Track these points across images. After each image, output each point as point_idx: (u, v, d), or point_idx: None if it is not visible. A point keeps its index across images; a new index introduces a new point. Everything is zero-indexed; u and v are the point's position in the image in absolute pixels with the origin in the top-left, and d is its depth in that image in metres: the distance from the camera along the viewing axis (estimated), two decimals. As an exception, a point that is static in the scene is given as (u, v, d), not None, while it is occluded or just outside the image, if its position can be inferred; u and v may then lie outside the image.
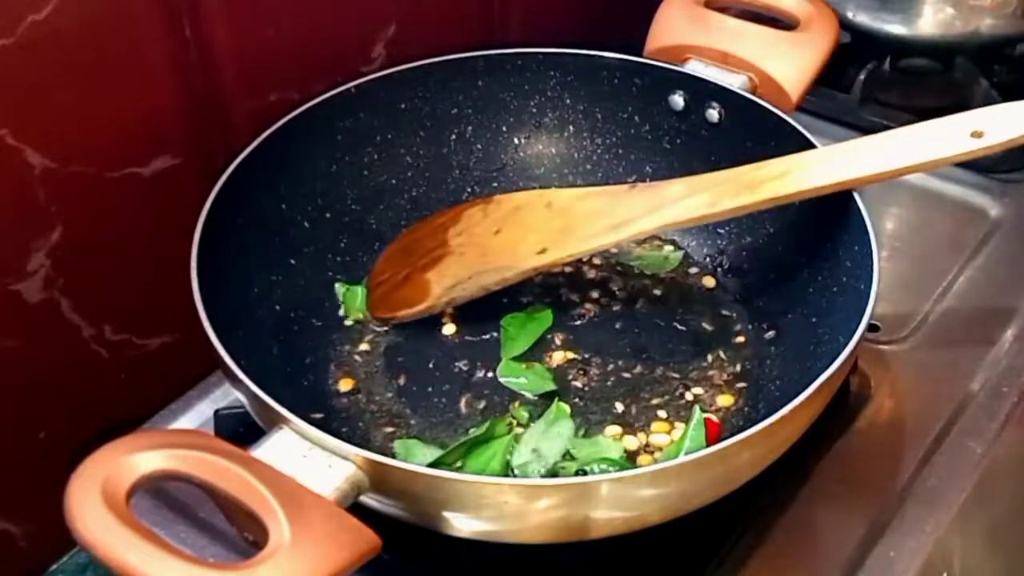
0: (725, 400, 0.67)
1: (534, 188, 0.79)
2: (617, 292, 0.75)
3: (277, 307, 0.69)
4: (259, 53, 0.72)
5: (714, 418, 0.65)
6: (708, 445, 0.62)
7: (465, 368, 0.70)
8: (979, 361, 0.73)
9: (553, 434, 0.65)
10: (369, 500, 0.52)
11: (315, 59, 0.75)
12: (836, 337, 0.59)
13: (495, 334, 0.72)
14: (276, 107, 0.72)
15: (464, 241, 0.70)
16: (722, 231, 0.77)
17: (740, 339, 0.71)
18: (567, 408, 0.66)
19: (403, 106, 0.77)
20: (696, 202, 0.64)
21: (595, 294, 0.75)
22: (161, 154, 0.69)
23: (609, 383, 0.69)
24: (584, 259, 0.77)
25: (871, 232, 0.63)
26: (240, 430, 0.61)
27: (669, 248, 0.78)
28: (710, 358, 0.70)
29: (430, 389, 0.69)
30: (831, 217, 0.66)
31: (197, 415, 0.71)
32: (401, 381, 0.69)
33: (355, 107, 0.74)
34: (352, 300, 0.73)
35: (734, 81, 0.74)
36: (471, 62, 0.77)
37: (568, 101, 0.79)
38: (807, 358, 0.63)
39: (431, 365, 0.70)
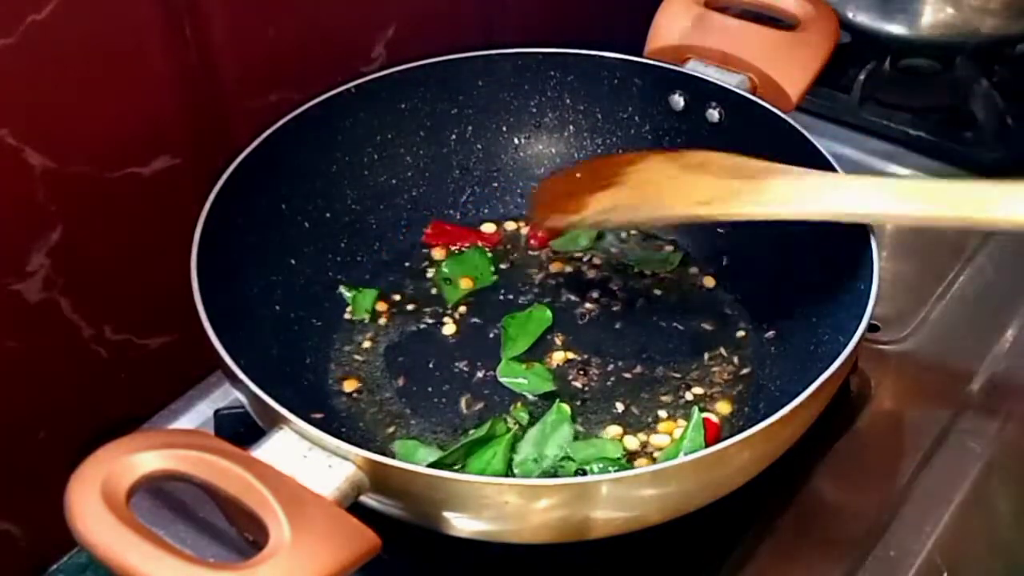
0: (725, 400, 0.67)
1: (534, 188, 0.79)
2: (617, 292, 0.75)
3: (277, 307, 0.69)
4: (259, 53, 0.72)
5: (713, 418, 0.65)
6: (707, 445, 0.62)
7: (465, 368, 0.70)
8: (979, 361, 0.73)
9: (553, 435, 0.65)
10: (369, 500, 0.52)
11: (315, 59, 0.75)
12: (836, 337, 0.59)
13: (495, 334, 0.72)
14: (276, 107, 0.72)
15: (637, 178, 0.69)
16: (722, 231, 0.77)
17: (740, 339, 0.71)
18: (567, 409, 0.66)
19: (403, 106, 0.77)
20: (883, 201, 0.61)
21: (595, 294, 0.75)
22: (161, 154, 0.69)
23: (609, 383, 0.69)
24: (584, 259, 0.77)
25: (871, 232, 0.63)
26: (240, 430, 0.61)
27: (669, 248, 0.78)
28: (710, 358, 0.70)
29: (430, 389, 0.69)
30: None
31: (197, 415, 0.71)
32: (401, 381, 0.69)
33: (355, 107, 0.74)
34: (362, 302, 0.73)
35: (734, 81, 0.74)
36: (471, 62, 0.77)
37: (568, 101, 0.79)
38: (807, 358, 0.63)
39: (431, 365, 0.70)
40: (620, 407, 0.67)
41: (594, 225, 0.69)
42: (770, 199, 0.63)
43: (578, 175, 0.72)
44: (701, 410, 0.65)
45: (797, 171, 0.65)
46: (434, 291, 0.75)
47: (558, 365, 0.70)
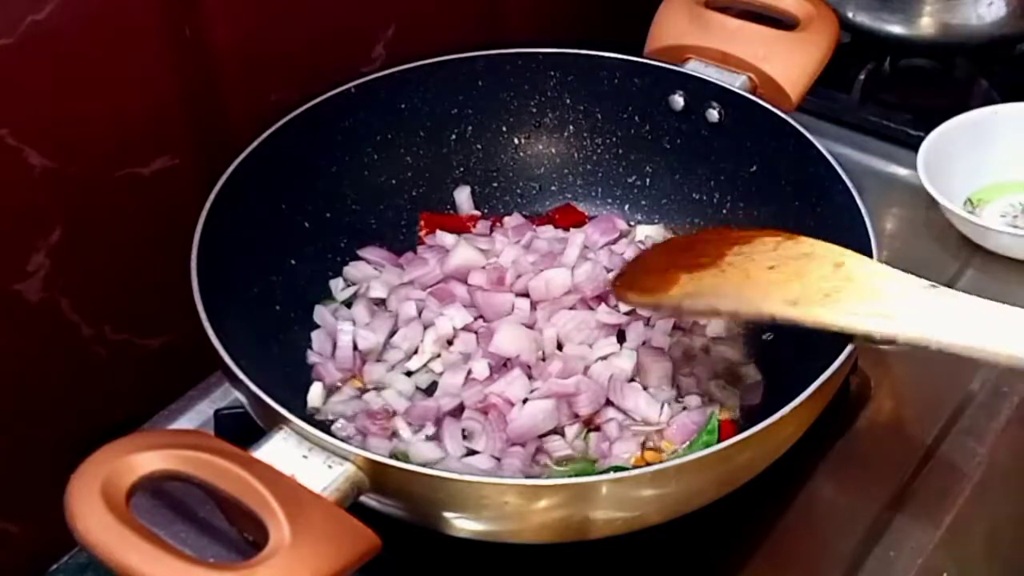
0: (725, 400, 0.67)
1: (534, 188, 0.79)
2: (617, 292, 0.75)
3: (277, 307, 0.69)
4: (259, 53, 0.72)
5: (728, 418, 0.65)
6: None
7: (465, 368, 0.70)
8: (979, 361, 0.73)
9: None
10: (369, 500, 0.52)
11: (315, 59, 0.75)
12: (836, 337, 0.59)
13: (495, 334, 0.72)
14: (276, 107, 0.72)
15: (737, 262, 0.63)
16: (722, 231, 0.77)
17: (740, 339, 0.71)
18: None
19: (403, 106, 0.76)
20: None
21: (595, 294, 0.75)
22: (161, 154, 0.69)
23: (609, 383, 0.69)
24: (584, 259, 0.77)
25: (871, 233, 0.63)
26: (240, 430, 0.61)
27: (669, 248, 0.78)
28: (710, 358, 0.70)
29: (430, 389, 0.69)
30: (832, 219, 0.66)
31: (197, 415, 0.71)
32: (401, 381, 0.69)
33: (355, 107, 0.74)
34: None
35: (734, 81, 0.74)
36: (471, 62, 0.77)
37: (568, 101, 0.79)
38: (807, 358, 0.63)
39: (431, 365, 0.70)
40: (620, 407, 0.67)
41: (672, 309, 0.65)
42: (863, 310, 0.57)
43: (684, 248, 0.67)
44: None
45: (918, 283, 0.58)
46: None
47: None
